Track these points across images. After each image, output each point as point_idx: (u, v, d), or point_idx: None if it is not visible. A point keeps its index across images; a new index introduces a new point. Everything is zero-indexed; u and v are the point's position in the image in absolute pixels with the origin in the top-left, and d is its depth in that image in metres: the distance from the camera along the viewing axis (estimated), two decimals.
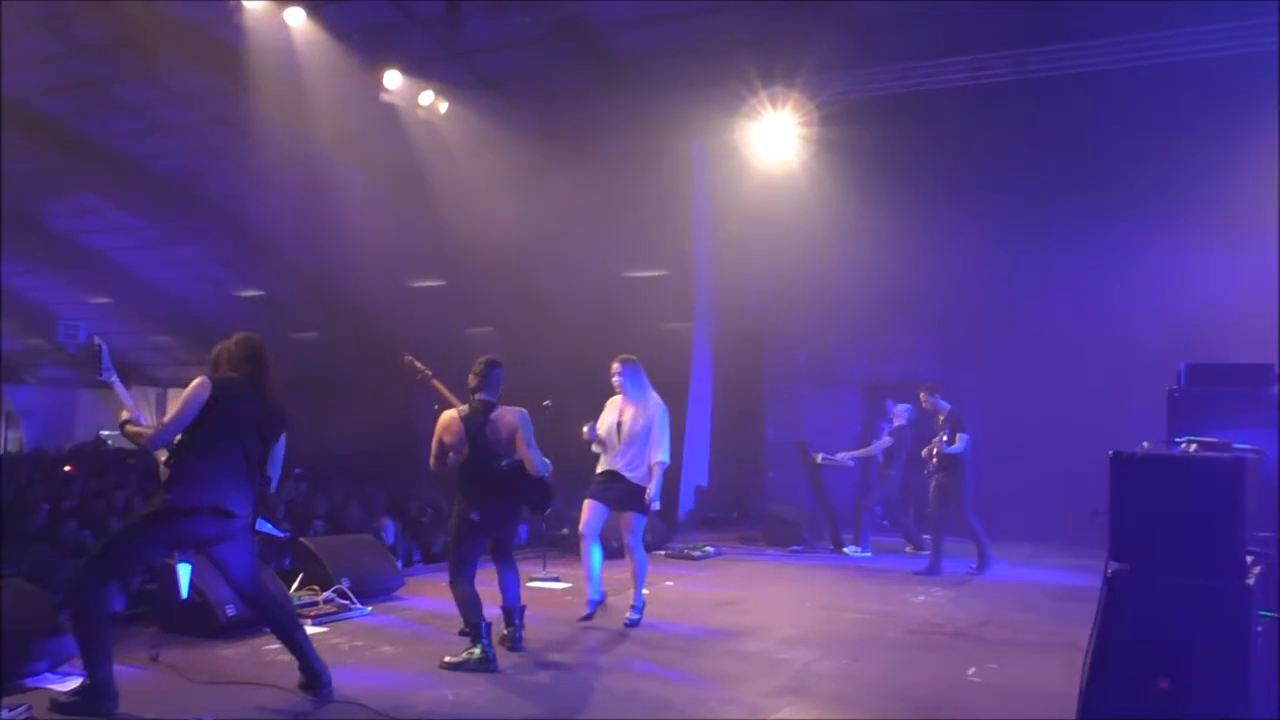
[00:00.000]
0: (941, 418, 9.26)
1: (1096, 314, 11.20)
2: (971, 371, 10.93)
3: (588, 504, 6.61)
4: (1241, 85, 9.54)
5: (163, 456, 4.56)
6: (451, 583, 5.58)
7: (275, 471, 4.82)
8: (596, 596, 6.71)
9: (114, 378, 4.54)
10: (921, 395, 9.61)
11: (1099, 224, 11.22)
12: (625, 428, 6.54)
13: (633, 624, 6.49)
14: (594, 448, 6.68)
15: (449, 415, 5.68)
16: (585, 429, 6.65)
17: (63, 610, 5.12)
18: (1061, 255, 11.60)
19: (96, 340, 4.55)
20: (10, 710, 4.19)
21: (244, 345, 4.76)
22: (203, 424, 4.47)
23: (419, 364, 6.11)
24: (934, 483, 9.15)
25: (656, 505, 6.63)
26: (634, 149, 12.21)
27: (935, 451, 9.13)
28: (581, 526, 6.60)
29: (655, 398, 6.68)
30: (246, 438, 4.62)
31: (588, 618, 6.66)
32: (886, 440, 10.34)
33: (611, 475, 6.58)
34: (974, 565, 9.16)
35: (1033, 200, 11.54)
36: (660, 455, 6.55)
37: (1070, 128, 11.08)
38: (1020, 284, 11.80)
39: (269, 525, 7.19)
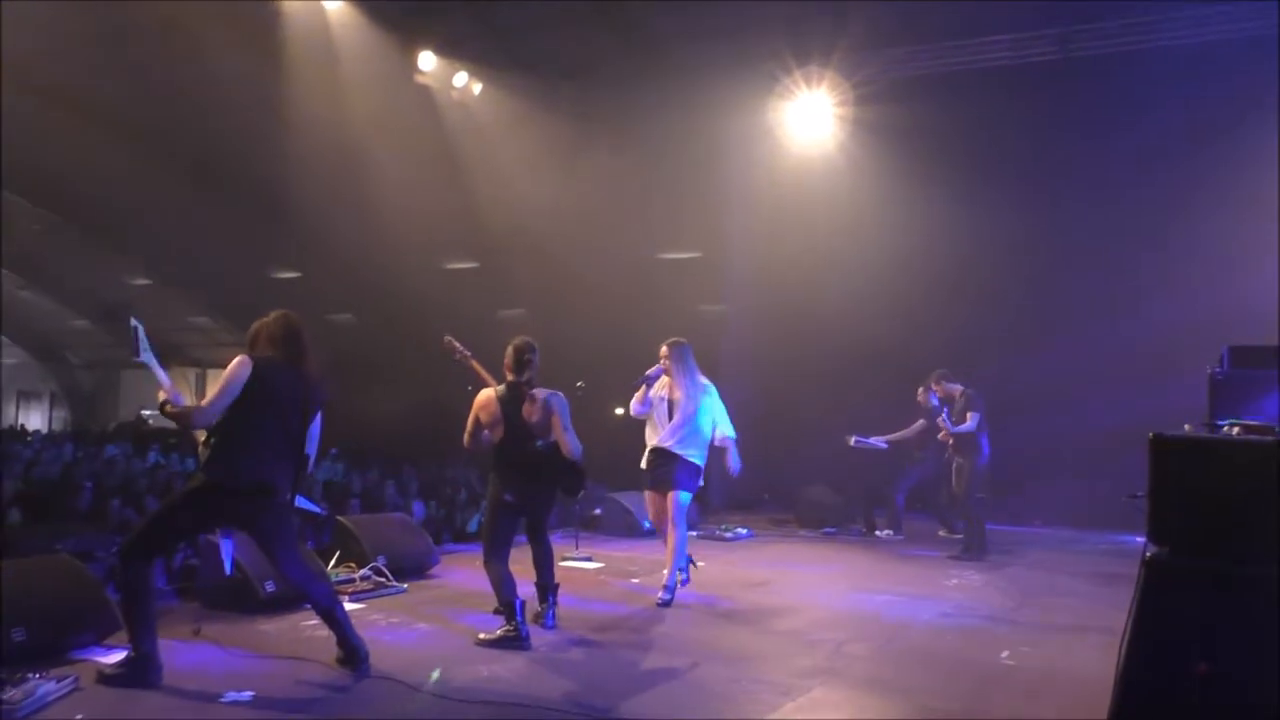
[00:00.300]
0: (957, 399, 9.20)
1: (1137, 294, 11.03)
2: (1011, 352, 10.82)
3: (647, 495, 6.92)
4: None
5: (202, 436, 4.63)
6: (485, 562, 5.63)
7: (312, 449, 4.86)
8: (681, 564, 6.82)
9: (150, 358, 4.58)
10: (932, 383, 9.53)
11: (1140, 204, 11.03)
12: (677, 407, 6.68)
13: (665, 603, 6.52)
14: (635, 402, 6.78)
15: (486, 394, 5.71)
16: (652, 371, 6.77)
17: (108, 586, 5.25)
18: (1101, 236, 11.42)
19: (132, 321, 4.59)
20: (58, 682, 4.28)
21: (282, 323, 4.78)
22: (243, 402, 4.50)
23: (457, 344, 6.17)
24: (955, 465, 9.12)
25: (737, 469, 6.97)
26: (668, 130, 12.15)
27: (947, 432, 9.11)
28: (652, 519, 7.01)
29: (703, 379, 6.80)
30: (286, 415, 4.66)
31: (685, 582, 6.84)
32: (920, 423, 10.28)
33: (661, 453, 6.71)
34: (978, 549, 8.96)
35: (1073, 182, 11.37)
36: (728, 431, 6.88)
37: (1114, 109, 10.87)
38: (1060, 265, 11.64)
39: (308, 502, 7.30)
